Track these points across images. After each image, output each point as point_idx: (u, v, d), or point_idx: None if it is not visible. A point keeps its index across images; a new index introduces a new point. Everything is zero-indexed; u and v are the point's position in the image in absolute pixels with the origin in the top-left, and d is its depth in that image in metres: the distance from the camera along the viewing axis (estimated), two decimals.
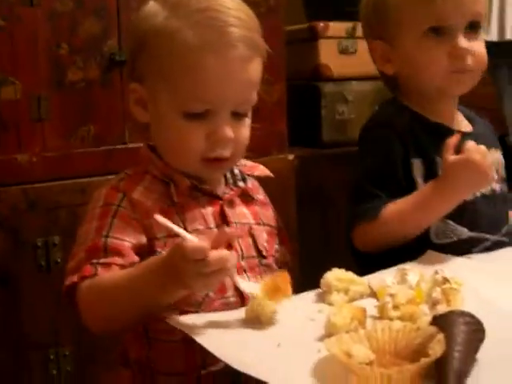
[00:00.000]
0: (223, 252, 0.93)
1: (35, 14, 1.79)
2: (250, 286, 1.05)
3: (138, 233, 1.07)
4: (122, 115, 1.87)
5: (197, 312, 1.04)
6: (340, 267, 1.10)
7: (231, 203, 1.16)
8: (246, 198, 1.20)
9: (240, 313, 1.00)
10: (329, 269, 1.09)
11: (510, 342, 0.88)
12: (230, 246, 1.13)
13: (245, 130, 1.13)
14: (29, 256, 1.81)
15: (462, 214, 1.29)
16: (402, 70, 1.38)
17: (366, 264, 1.29)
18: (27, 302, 1.81)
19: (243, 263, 1.14)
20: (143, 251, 1.06)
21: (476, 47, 1.32)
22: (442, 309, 0.95)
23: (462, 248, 1.27)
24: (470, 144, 1.22)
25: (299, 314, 0.99)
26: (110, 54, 1.87)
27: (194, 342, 0.92)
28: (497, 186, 1.39)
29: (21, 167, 1.81)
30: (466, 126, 1.41)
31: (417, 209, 1.25)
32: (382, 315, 0.97)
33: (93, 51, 1.87)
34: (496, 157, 1.41)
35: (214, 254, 0.91)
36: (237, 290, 1.08)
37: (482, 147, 1.23)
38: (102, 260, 1.03)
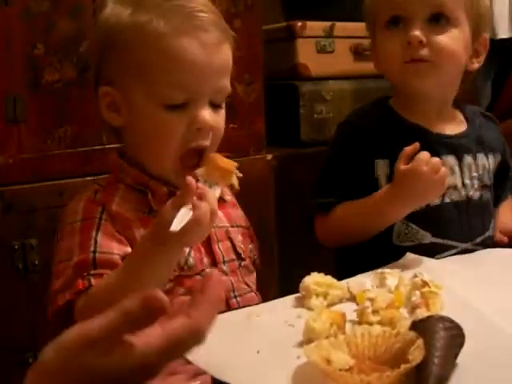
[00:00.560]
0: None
1: (10, 14, 1.76)
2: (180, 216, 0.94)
3: (123, 245, 1.05)
4: (100, 116, 1.85)
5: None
6: (319, 266, 1.10)
7: None
8: (219, 200, 1.20)
9: (218, 320, 0.99)
10: (308, 268, 1.09)
11: (490, 347, 0.88)
12: (211, 251, 1.13)
13: (222, 120, 1.13)
14: (6, 259, 1.79)
15: (426, 218, 1.29)
16: (379, 67, 1.39)
17: (338, 256, 1.36)
18: (4, 305, 1.79)
19: (225, 267, 1.13)
20: None
21: (438, 39, 1.28)
22: (421, 313, 0.95)
23: (423, 253, 1.23)
24: (422, 154, 1.21)
25: (279, 320, 0.99)
26: (86, 55, 1.85)
27: None
28: (475, 194, 1.37)
29: None
30: (453, 128, 1.38)
31: (365, 212, 1.26)
32: (361, 320, 0.97)
33: (69, 52, 1.84)
34: (483, 163, 1.39)
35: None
36: None
37: (435, 159, 1.21)
38: (92, 272, 1.01)
